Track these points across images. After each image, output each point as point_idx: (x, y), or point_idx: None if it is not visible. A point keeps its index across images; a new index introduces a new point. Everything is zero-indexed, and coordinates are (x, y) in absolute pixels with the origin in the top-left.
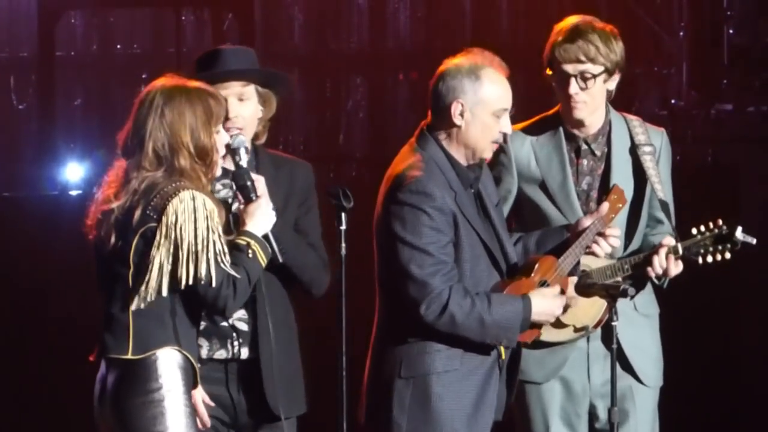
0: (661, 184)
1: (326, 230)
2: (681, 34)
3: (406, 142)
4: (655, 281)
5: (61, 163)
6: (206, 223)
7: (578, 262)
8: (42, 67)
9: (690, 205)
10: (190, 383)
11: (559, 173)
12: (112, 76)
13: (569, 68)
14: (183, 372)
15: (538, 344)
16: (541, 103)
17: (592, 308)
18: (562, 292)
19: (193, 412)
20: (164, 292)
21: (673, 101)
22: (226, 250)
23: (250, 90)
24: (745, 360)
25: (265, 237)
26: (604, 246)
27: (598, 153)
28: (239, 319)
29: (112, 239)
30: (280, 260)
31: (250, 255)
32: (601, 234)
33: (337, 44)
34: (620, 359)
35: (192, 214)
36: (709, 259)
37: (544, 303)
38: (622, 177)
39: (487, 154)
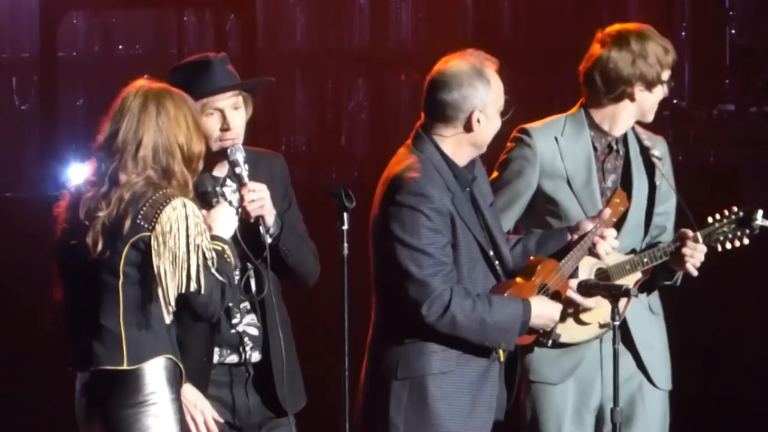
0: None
1: (328, 230)
2: (683, 34)
3: (406, 142)
4: (666, 282)
5: (64, 164)
6: (196, 230)
7: (577, 268)
8: (44, 68)
9: (691, 205)
10: (179, 389)
11: (584, 170)
12: (113, 77)
13: (668, 75)
14: (172, 379)
15: (561, 344)
16: (542, 102)
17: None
18: (558, 296)
19: (184, 419)
20: (172, 301)
21: (675, 102)
22: (215, 256)
23: (241, 98)
24: (749, 361)
25: (234, 239)
26: (606, 247)
27: (620, 152)
28: (249, 324)
29: (99, 247)
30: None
31: (229, 260)
32: (601, 236)
33: (338, 45)
34: (633, 356)
35: (184, 222)
36: (728, 245)
37: (544, 307)
38: (640, 176)
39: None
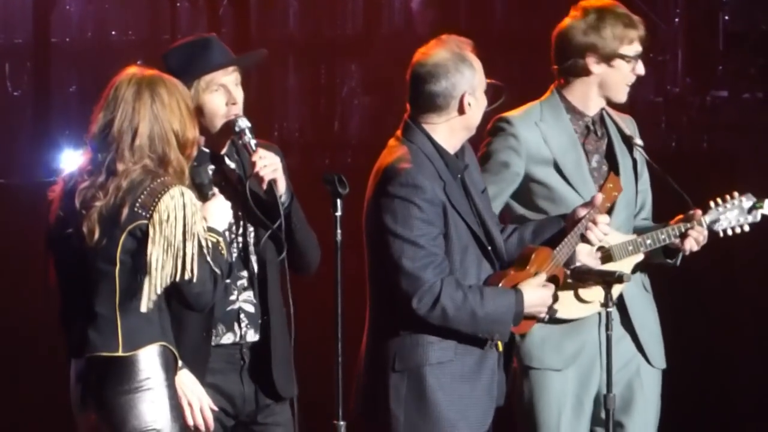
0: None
1: (321, 217)
2: (676, 20)
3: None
4: (668, 260)
5: (57, 150)
6: (193, 219)
7: (574, 253)
8: (37, 54)
9: (685, 191)
10: (173, 375)
11: (572, 152)
12: (107, 63)
13: (640, 50)
14: (167, 365)
15: (559, 320)
16: (535, 87)
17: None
18: (556, 281)
19: (179, 404)
20: (159, 290)
21: (668, 88)
22: (210, 246)
23: (239, 75)
24: (741, 342)
25: (253, 222)
26: (597, 233)
27: (599, 132)
28: (245, 300)
29: (96, 236)
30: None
31: (223, 252)
32: (593, 221)
33: (331, 31)
34: (632, 338)
35: (182, 210)
36: (729, 232)
37: (536, 294)
38: (623, 155)
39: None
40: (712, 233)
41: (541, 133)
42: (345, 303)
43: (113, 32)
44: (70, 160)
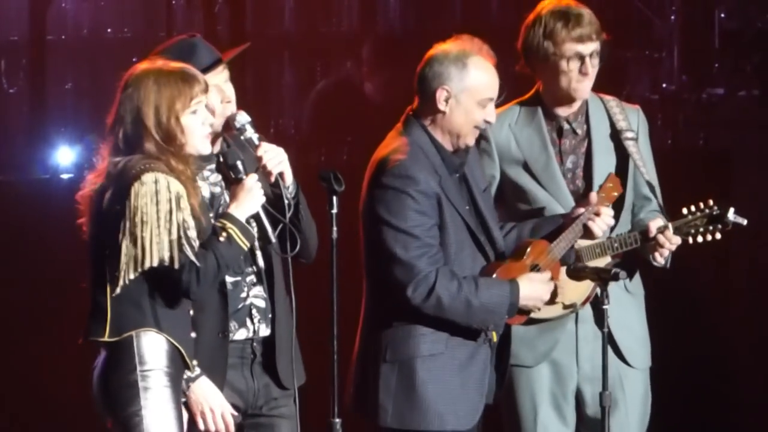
0: (645, 166)
1: (317, 214)
2: (672, 18)
3: (396, 126)
4: (656, 262)
5: (52, 147)
6: (169, 206)
7: (572, 248)
8: (33, 51)
9: (681, 188)
10: (175, 365)
11: (541, 153)
12: (102, 60)
13: (584, 48)
14: (164, 354)
15: (527, 321)
16: (530, 84)
17: (581, 286)
18: (553, 278)
19: (178, 395)
20: (131, 275)
21: (664, 85)
22: (193, 234)
23: (228, 71)
24: (734, 340)
25: (257, 217)
26: (600, 224)
27: (579, 132)
28: (256, 296)
29: (89, 223)
30: (273, 240)
31: (222, 239)
32: (597, 213)
33: (327, 27)
34: (609, 339)
35: (154, 197)
36: (699, 239)
37: (532, 288)
38: (605, 155)
39: (470, 141)
40: (682, 240)
41: (513, 135)
42: (340, 298)
43: (109, 29)
44: (66, 156)
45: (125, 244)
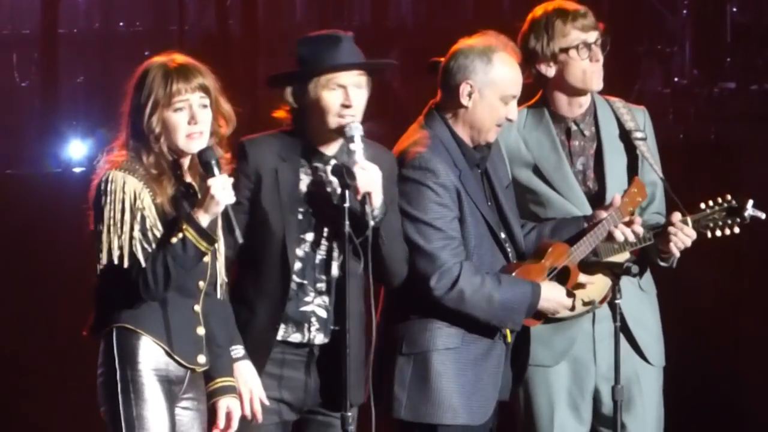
0: (656, 165)
1: None
2: (684, 12)
3: (406, 121)
4: (662, 263)
5: (64, 141)
6: (121, 206)
7: (591, 252)
8: (44, 45)
9: (692, 183)
10: (157, 361)
11: (552, 155)
12: (114, 54)
13: (588, 36)
14: (142, 350)
15: (553, 319)
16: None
17: (599, 283)
18: (567, 276)
19: (159, 390)
20: (97, 272)
21: (676, 80)
22: (151, 234)
23: (365, 78)
24: (745, 340)
25: (225, 215)
26: (629, 234)
27: (587, 133)
28: (319, 305)
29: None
30: (240, 240)
31: (175, 240)
32: (626, 223)
33: (338, 23)
34: (626, 337)
35: (112, 195)
36: (718, 233)
37: (554, 291)
38: (615, 155)
39: (491, 137)
40: (700, 235)
41: (522, 138)
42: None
43: (120, 23)
44: (78, 150)
45: (96, 242)
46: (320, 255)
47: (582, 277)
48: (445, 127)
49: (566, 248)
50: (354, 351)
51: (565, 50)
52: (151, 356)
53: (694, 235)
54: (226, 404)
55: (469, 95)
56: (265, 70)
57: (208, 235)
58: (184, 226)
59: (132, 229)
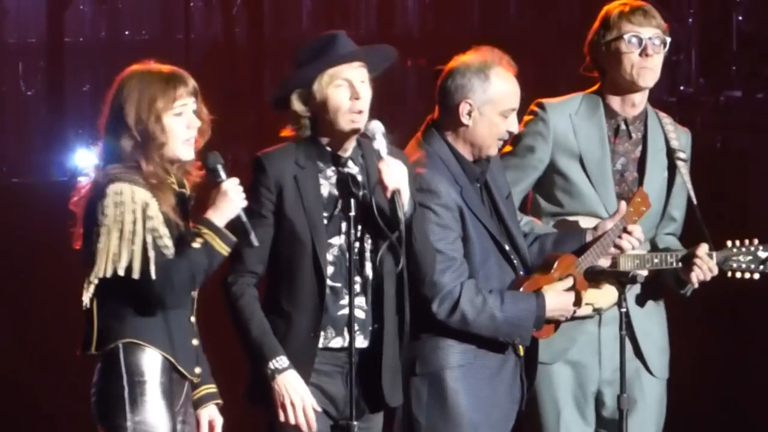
0: (692, 191)
1: None
2: (690, 20)
3: (414, 130)
4: (678, 289)
5: (70, 150)
6: (132, 216)
7: (610, 266)
8: (51, 53)
9: (698, 192)
10: (166, 375)
11: (598, 149)
12: (120, 63)
13: (642, 31)
14: (151, 364)
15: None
16: (549, 87)
17: (609, 293)
18: (577, 289)
19: (168, 405)
20: (91, 289)
21: (681, 88)
22: (163, 242)
23: (367, 72)
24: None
25: (238, 219)
26: (631, 241)
27: (633, 136)
28: (357, 306)
29: (79, 235)
30: (255, 244)
31: (196, 245)
32: (627, 231)
33: (345, 29)
34: (632, 345)
35: (120, 207)
36: (738, 275)
37: (558, 299)
38: (656, 168)
39: (493, 152)
40: (722, 271)
41: (572, 125)
42: None
43: (127, 32)
44: (84, 159)
45: (97, 258)
46: (352, 257)
47: (589, 287)
48: (444, 143)
49: (574, 259)
50: (390, 352)
51: (617, 41)
52: (157, 370)
53: (716, 270)
54: (207, 414)
55: (469, 114)
56: (271, 78)
57: (227, 237)
58: (204, 231)
59: (145, 239)
